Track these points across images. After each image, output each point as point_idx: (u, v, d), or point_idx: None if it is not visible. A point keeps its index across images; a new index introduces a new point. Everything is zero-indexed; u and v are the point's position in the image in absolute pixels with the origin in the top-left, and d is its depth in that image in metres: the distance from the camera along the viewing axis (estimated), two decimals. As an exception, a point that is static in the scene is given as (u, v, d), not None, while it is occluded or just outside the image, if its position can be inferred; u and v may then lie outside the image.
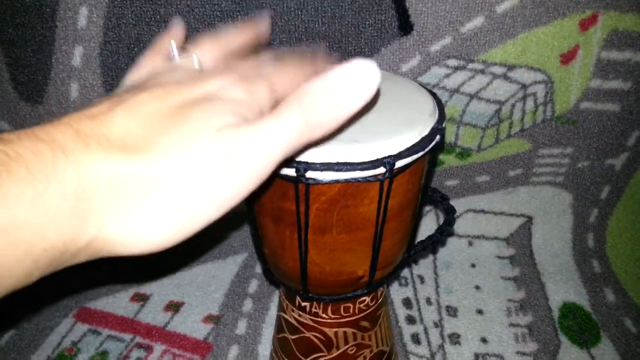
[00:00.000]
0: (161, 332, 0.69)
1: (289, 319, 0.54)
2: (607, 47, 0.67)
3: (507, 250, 0.81)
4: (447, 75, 0.67)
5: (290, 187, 0.39)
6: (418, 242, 0.52)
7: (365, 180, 0.38)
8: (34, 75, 0.66)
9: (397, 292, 0.75)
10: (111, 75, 0.65)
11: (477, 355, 0.66)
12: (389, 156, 0.38)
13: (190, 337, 0.69)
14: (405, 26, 0.63)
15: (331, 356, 0.53)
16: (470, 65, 0.66)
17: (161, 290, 0.76)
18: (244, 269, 0.79)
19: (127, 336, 0.69)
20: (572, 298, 0.74)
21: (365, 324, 0.52)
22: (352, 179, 0.38)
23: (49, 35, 0.64)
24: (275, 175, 0.39)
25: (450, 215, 0.52)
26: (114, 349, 0.67)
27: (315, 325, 0.52)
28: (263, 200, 0.43)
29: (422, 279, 0.77)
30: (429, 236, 0.52)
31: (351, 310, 0.51)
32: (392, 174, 0.38)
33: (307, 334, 0.52)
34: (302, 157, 0.37)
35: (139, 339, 0.68)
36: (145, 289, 0.76)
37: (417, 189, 0.45)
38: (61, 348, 0.67)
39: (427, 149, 0.40)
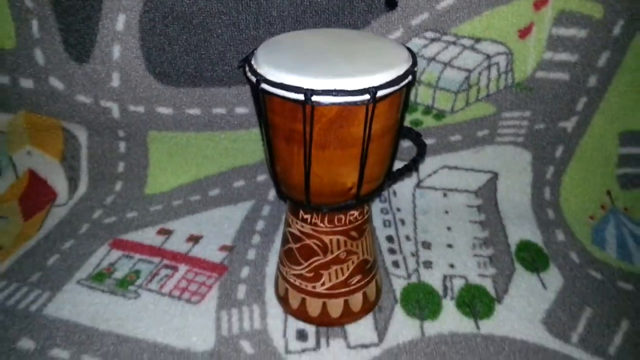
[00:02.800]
0: (184, 257, 0.83)
1: (294, 231, 0.67)
2: (557, 25, 0.81)
3: (476, 200, 0.95)
4: (425, 46, 0.81)
5: (299, 109, 0.53)
6: (397, 169, 0.66)
7: (355, 104, 0.52)
8: (82, 39, 0.79)
9: (381, 231, 0.89)
10: (148, 39, 0.78)
11: (445, 276, 0.80)
12: (373, 87, 0.52)
13: (209, 261, 0.82)
14: (391, 3, 0.77)
15: (326, 259, 0.66)
16: (444, 38, 0.80)
17: (182, 227, 0.89)
18: (252, 212, 0.93)
19: (156, 259, 0.82)
20: (528, 237, 0.88)
21: (354, 233, 0.66)
22: (346, 102, 0.52)
23: (96, 6, 0.77)
24: (288, 100, 0.53)
25: (422, 148, 0.66)
26: (145, 269, 0.81)
27: (315, 233, 0.65)
28: (277, 125, 0.57)
29: (403, 222, 0.91)
30: (405, 165, 0.66)
31: (343, 221, 0.65)
32: (375, 100, 0.52)
33: (308, 242, 0.66)
34: (308, 85, 0.51)
35: (166, 262, 0.82)
36: (169, 225, 0.90)
37: (395, 119, 0.59)
38: (100, 268, 0.81)
39: (402, 84, 0.54)
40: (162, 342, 0.69)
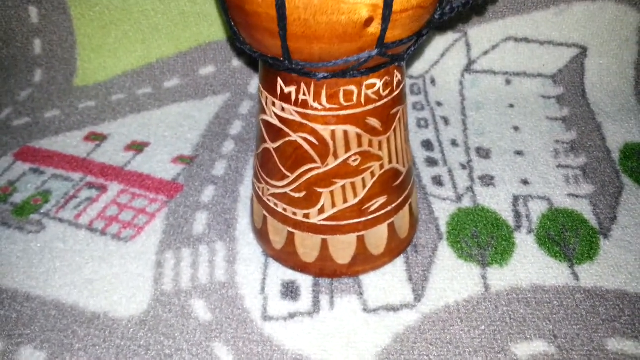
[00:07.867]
0: (119, 172, 0.56)
1: (270, 120, 0.39)
2: None
3: (554, 89, 0.65)
4: None
5: None
6: (455, -1, 0.36)
7: None
8: None
9: (414, 135, 0.60)
10: None
11: (516, 198, 0.52)
12: None
13: (155, 178, 0.55)
14: None
15: (327, 169, 0.38)
16: None
17: (122, 129, 0.62)
18: (225, 110, 0.64)
19: (76, 175, 0.55)
20: (637, 138, 0.58)
21: (374, 122, 0.37)
22: None
23: None
24: None
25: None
26: (59, 189, 0.54)
27: (304, 121, 0.37)
28: None
29: (446, 120, 0.62)
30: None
31: (355, 98, 0.36)
32: None
33: (294, 137, 0.38)
34: None
35: (90, 179, 0.55)
36: (103, 128, 0.62)
37: None
38: (-6, 188, 0.54)
39: None
40: (66, 301, 0.43)
